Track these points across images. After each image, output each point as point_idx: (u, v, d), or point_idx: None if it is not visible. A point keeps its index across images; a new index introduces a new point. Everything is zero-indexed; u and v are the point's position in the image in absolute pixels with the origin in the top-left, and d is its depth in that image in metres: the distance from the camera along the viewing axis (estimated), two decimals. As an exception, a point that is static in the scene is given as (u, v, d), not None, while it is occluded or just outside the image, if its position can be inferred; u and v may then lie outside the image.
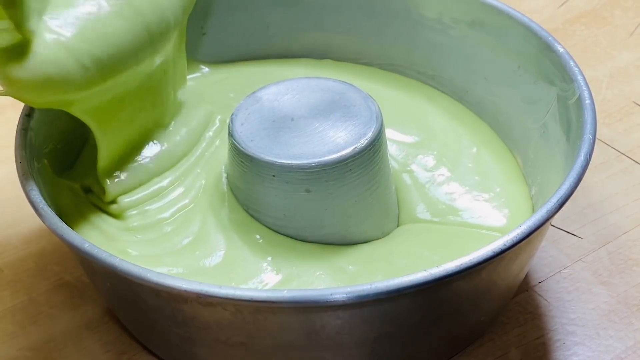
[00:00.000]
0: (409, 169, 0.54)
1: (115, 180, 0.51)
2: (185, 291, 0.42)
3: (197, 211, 0.51)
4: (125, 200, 0.51)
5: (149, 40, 0.50)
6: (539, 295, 0.53)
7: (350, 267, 0.48)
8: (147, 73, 0.51)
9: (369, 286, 0.41)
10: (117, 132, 0.51)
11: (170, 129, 0.54)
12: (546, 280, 0.54)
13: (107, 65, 0.48)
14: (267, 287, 0.47)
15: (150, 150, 0.52)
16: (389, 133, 0.55)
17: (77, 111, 0.49)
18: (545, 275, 0.54)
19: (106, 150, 0.51)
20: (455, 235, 0.51)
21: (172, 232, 0.50)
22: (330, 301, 0.41)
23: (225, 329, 0.44)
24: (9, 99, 0.47)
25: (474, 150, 0.55)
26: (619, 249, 0.55)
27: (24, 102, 0.48)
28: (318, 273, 0.48)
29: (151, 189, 0.52)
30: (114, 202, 0.51)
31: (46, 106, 0.49)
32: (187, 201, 0.51)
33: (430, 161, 0.54)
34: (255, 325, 0.43)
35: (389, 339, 0.45)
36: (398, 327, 0.45)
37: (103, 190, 0.51)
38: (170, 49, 0.52)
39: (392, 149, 0.54)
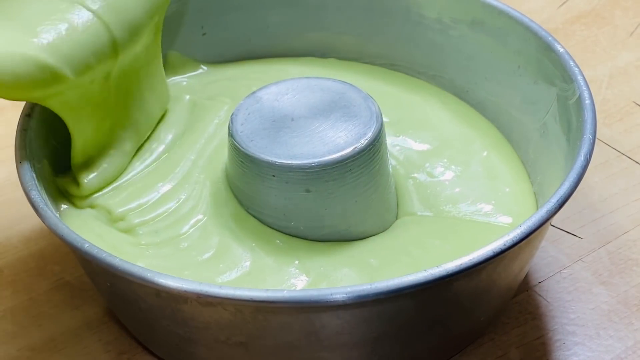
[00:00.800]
0: (414, 175, 0.53)
1: (91, 175, 0.51)
2: (185, 291, 0.42)
3: (211, 224, 0.50)
4: (135, 220, 0.50)
5: (111, 41, 0.49)
6: (539, 295, 0.53)
7: (372, 260, 0.48)
8: (119, 71, 0.51)
9: (369, 286, 0.41)
10: (93, 128, 0.51)
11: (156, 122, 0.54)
12: (546, 280, 0.54)
13: (73, 63, 0.48)
14: None
15: (126, 143, 0.52)
16: (400, 138, 0.55)
17: (54, 105, 0.49)
18: (545, 275, 0.54)
19: (81, 146, 0.50)
20: (463, 226, 0.50)
21: (189, 247, 0.49)
22: (330, 301, 0.41)
23: (225, 329, 0.44)
24: (9, 99, 0.47)
25: (485, 154, 0.55)
26: (619, 249, 0.55)
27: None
28: (345, 270, 0.48)
29: (162, 208, 0.50)
30: (121, 219, 0.50)
31: (20, 100, 0.49)
32: (200, 216, 0.50)
33: (439, 165, 0.54)
34: (255, 325, 0.43)
35: (389, 339, 0.45)
36: (398, 327, 0.45)
37: (77, 185, 0.51)
38: (140, 49, 0.52)
39: (400, 154, 0.54)
